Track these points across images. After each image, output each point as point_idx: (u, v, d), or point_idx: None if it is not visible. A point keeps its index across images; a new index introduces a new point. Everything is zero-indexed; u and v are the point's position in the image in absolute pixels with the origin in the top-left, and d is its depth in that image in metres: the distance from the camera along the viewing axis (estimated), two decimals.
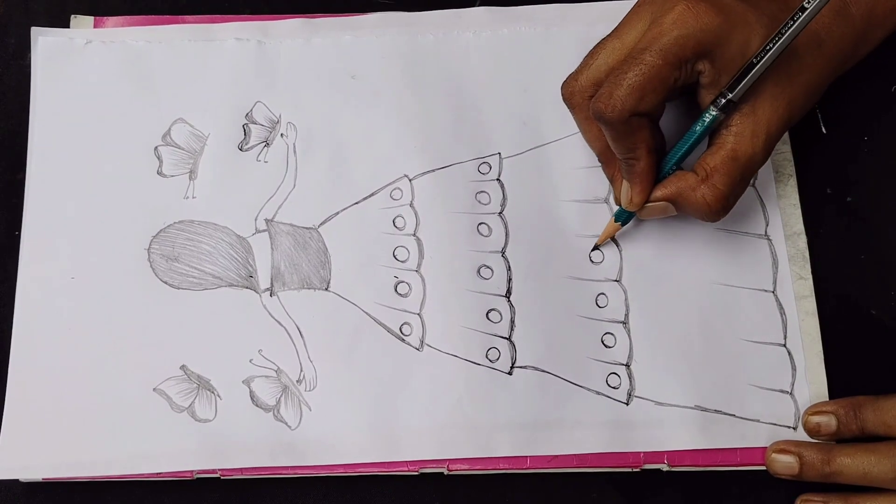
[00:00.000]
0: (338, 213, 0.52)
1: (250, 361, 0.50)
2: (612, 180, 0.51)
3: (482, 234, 0.52)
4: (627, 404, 0.49)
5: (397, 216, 0.52)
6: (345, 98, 0.54)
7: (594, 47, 0.48)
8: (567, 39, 0.50)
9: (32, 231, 0.51)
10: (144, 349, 0.49)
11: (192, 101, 0.54)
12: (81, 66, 0.54)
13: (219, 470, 0.48)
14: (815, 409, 0.49)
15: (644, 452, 0.49)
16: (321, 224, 0.52)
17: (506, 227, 0.52)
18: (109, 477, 0.48)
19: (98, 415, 0.48)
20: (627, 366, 0.50)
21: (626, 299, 0.51)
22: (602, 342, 0.50)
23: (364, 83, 0.54)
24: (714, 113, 0.46)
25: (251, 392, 0.49)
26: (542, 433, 0.49)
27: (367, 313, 0.51)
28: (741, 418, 0.49)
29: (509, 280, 0.51)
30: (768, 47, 0.44)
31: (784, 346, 0.51)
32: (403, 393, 0.49)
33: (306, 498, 0.49)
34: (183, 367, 0.49)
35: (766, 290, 0.52)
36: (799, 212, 0.53)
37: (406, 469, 0.49)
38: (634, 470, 0.49)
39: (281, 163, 0.53)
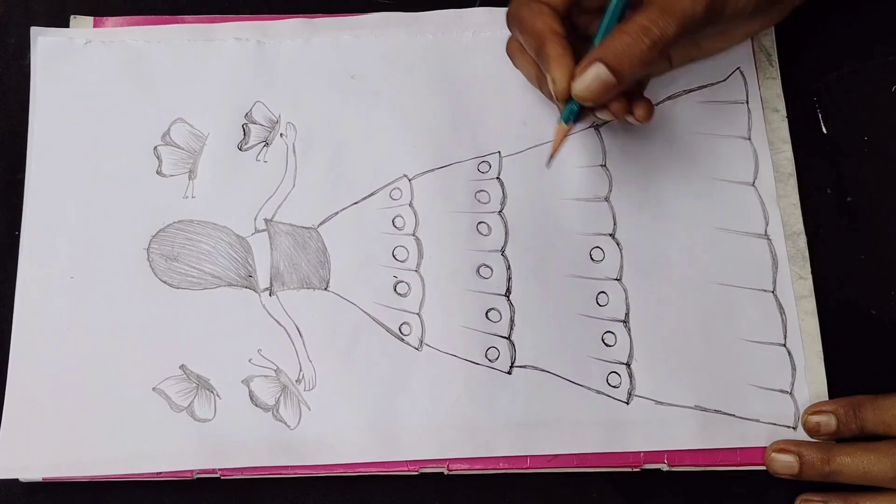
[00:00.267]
0: (337, 213, 0.52)
1: (249, 361, 0.50)
2: (539, 88, 0.50)
3: (482, 234, 0.52)
4: (628, 403, 0.49)
5: (397, 216, 0.52)
6: (344, 98, 0.54)
7: None
8: None
9: (32, 231, 0.51)
10: (144, 349, 0.49)
11: (192, 100, 0.54)
12: (81, 66, 0.54)
13: (218, 470, 0.48)
14: (814, 409, 0.49)
15: (644, 452, 0.49)
16: (320, 224, 0.52)
17: (505, 226, 0.52)
18: (109, 477, 0.48)
19: (97, 414, 0.48)
20: (628, 365, 0.50)
21: (626, 298, 0.51)
22: (602, 341, 0.50)
23: (364, 83, 0.54)
24: None
25: (250, 392, 0.49)
26: (542, 432, 0.49)
27: (366, 313, 0.51)
28: (741, 418, 0.49)
29: (509, 279, 0.51)
30: None
31: (784, 345, 0.51)
32: (403, 393, 0.49)
33: (306, 498, 0.49)
34: (182, 367, 0.49)
35: (765, 290, 0.51)
36: (799, 212, 0.53)
37: (406, 469, 0.48)
38: (634, 470, 0.49)
39: (280, 163, 0.53)
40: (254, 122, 0.54)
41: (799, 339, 0.51)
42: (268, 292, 0.51)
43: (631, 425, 0.49)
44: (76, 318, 0.50)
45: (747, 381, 0.50)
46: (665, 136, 0.54)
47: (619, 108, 0.47)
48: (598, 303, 0.51)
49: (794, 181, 0.53)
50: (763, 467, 0.49)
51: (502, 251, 0.52)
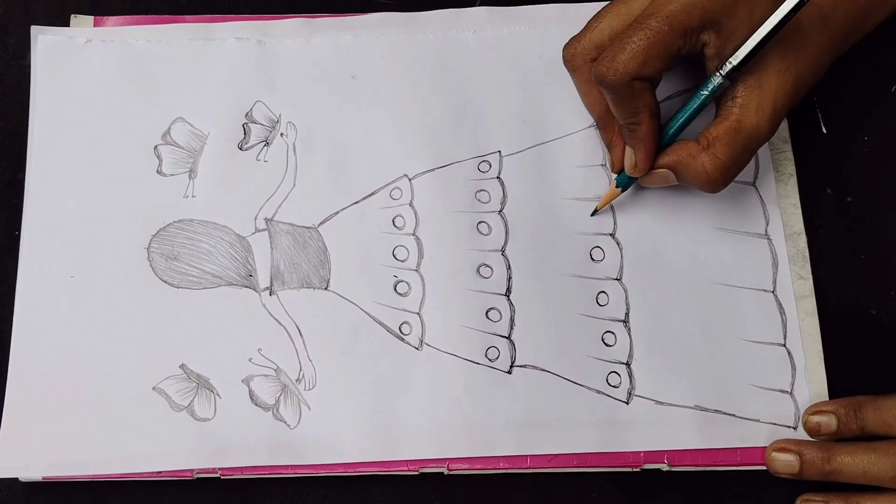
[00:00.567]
0: (337, 213, 0.52)
1: (250, 360, 0.50)
2: (609, 146, 0.51)
3: (482, 233, 0.52)
4: (627, 403, 0.49)
5: (397, 215, 0.52)
6: (344, 98, 0.54)
7: (599, 11, 0.49)
8: (566, 39, 0.50)
9: (32, 231, 0.51)
10: (144, 348, 0.49)
11: (192, 100, 0.54)
12: (81, 65, 0.54)
13: (218, 469, 0.48)
14: (815, 409, 0.49)
15: (644, 452, 0.49)
16: (321, 223, 0.52)
17: (506, 226, 0.52)
18: (109, 476, 0.48)
19: (97, 414, 0.48)
20: (628, 365, 0.50)
21: (626, 298, 0.51)
22: (602, 341, 0.50)
23: (364, 83, 0.54)
24: (718, 79, 0.46)
25: (250, 391, 0.49)
26: (542, 432, 0.49)
27: (366, 312, 0.51)
28: (741, 418, 0.49)
29: (509, 279, 0.51)
30: (775, 17, 0.44)
31: (784, 345, 0.51)
32: (403, 392, 0.49)
33: (306, 498, 0.49)
34: (182, 366, 0.49)
35: (766, 290, 0.51)
36: (799, 212, 0.53)
37: (406, 469, 0.48)
38: (634, 470, 0.49)
39: (281, 162, 0.53)
40: (254, 122, 0.54)
41: (799, 339, 0.51)
42: (268, 292, 0.51)
43: (631, 425, 0.49)
44: (76, 317, 0.50)
45: (747, 381, 0.50)
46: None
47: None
48: (598, 302, 0.51)
49: (794, 181, 0.53)
50: (763, 467, 0.49)
51: (502, 251, 0.52)
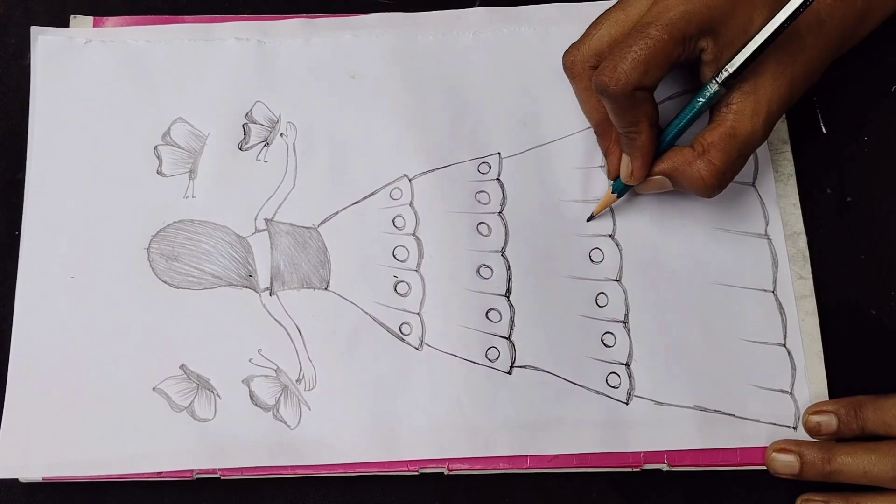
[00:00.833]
0: (337, 213, 0.52)
1: (250, 361, 0.50)
2: (606, 153, 0.51)
3: (482, 234, 0.52)
4: (627, 404, 0.49)
5: (397, 216, 0.52)
6: (344, 98, 0.54)
7: (597, 18, 0.49)
8: (567, 39, 0.50)
9: (32, 231, 0.51)
10: (144, 348, 0.49)
11: (192, 100, 0.54)
12: (81, 65, 0.54)
13: (218, 470, 0.48)
14: (815, 409, 0.49)
15: (644, 452, 0.49)
16: (321, 223, 0.52)
17: (505, 227, 0.52)
18: (109, 477, 0.48)
19: (97, 414, 0.48)
20: (627, 365, 0.50)
21: (626, 299, 0.51)
22: (602, 342, 0.50)
23: (364, 83, 0.54)
24: (715, 87, 0.46)
25: (251, 391, 0.49)
26: (542, 433, 0.49)
27: (366, 313, 0.51)
28: (741, 418, 0.49)
29: (509, 279, 0.51)
30: (771, 25, 0.44)
31: (784, 345, 0.51)
32: (403, 392, 0.49)
33: (306, 498, 0.49)
34: (182, 367, 0.49)
35: (766, 290, 0.52)
36: (799, 212, 0.53)
37: (406, 469, 0.48)
38: (634, 470, 0.49)
39: (281, 162, 0.53)
40: (254, 122, 0.54)
41: (799, 339, 0.51)
42: (268, 292, 0.51)
43: (631, 425, 0.49)
44: (76, 318, 0.50)
45: (747, 381, 0.50)
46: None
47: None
48: (597, 303, 0.51)
49: (794, 181, 0.53)
50: (763, 467, 0.49)
51: (502, 252, 0.52)
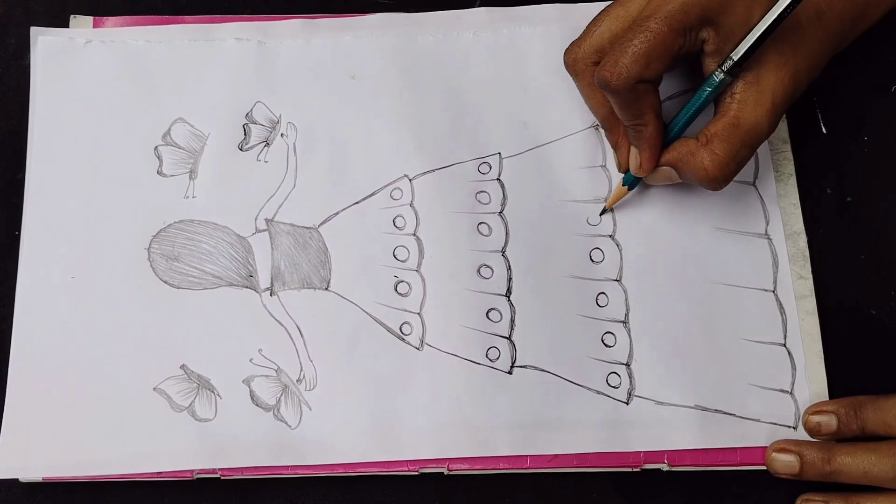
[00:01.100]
0: (338, 213, 0.52)
1: (250, 361, 0.50)
2: (615, 146, 0.51)
3: (482, 234, 0.52)
4: (627, 404, 0.49)
5: (397, 216, 0.52)
6: (345, 98, 0.54)
7: (597, 15, 0.49)
8: (567, 39, 0.50)
9: (32, 231, 0.51)
10: (144, 349, 0.49)
11: (192, 100, 0.54)
12: (81, 65, 0.54)
13: (219, 470, 0.48)
14: (815, 409, 0.49)
15: (644, 452, 0.49)
16: (321, 224, 0.52)
17: (506, 227, 0.52)
18: (109, 477, 0.48)
19: (98, 414, 0.48)
20: (627, 365, 0.50)
21: (626, 299, 0.51)
22: (602, 341, 0.50)
23: (364, 83, 0.54)
24: (720, 76, 0.46)
25: (251, 391, 0.49)
26: (543, 433, 0.49)
27: (367, 313, 0.51)
28: (741, 418, 0.49)
29: (509, 279, 0.51)
30: (773, 11, 0.44)
31: (784, 345, 0.51)
32: (403, 392, 0.49)
33: (306, 498, 0.49)
34: (183, 367, 0.49)
35: (766, 290, 0.52)
36: (799, 211, 0.53)
37: (406, 469, 0.48)
38: (634, 470, 0.49)
39: (281, 163, 0.53)
40: (254, 123, 0.54)
41: (799, 339, 0.51)
42: (268, 292, 0.51)
43: (631, 425, 0.49)
44: (76, 318, 0.50)
45: (747, 381, 0.50)
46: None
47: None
48: (597, 303, 0.51)
49: (794, 181, 0.53)
50: (763, 467, 0.49)
51: (503, 251, 0.52)
